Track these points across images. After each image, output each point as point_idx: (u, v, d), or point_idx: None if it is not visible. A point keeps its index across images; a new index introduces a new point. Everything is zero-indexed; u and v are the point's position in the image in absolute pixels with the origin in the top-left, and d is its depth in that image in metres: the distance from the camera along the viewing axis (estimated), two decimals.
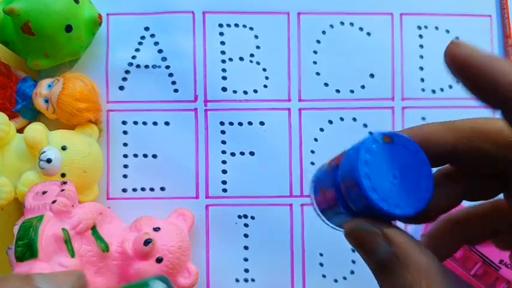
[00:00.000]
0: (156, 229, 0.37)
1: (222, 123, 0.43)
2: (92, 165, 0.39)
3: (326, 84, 0.43)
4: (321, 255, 0.42)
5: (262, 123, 0.43)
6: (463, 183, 0.22)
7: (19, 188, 0.37)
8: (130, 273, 0.36)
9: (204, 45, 0.43)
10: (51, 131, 0.39)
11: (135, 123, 0.42)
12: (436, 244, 0.24)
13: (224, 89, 0.43)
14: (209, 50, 0.43)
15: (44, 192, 0.36)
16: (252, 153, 0.43)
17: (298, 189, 0.42)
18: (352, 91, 0.43)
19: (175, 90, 0.43)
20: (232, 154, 0.43)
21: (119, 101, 0.43)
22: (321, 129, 0.43)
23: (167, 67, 0.43)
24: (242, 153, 0.43)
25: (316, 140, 0.43)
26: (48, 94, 0.39)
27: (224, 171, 0.42)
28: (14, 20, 0.37)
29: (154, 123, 0.43)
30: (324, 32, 0.43)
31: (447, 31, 0.44)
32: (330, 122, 0.43)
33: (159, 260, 0.36)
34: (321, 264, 0.42)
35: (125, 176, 0.42)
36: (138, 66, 0.43)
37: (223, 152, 0.43)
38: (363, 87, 0.43)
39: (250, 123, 0.43)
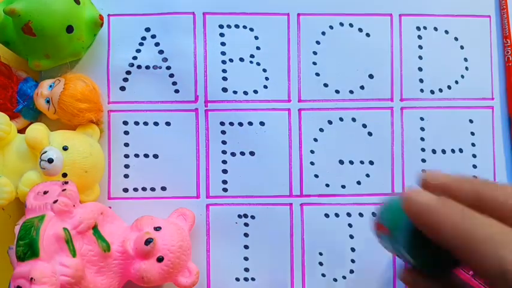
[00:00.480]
0: (157, 228, 0.37)
1: (222, 124, 0.43)
2: (93, 166, 0.39)
3: (325, 85, 0.43)
4: (321, 254, 0.42)
5: (262, 123, 0.43)
6: None
7: (20, 188, 0.38)
8: (131, 272, 0.36)
9: (204, 46, 0.43)
10: (52, 131, 0.39)
11: (136, 123, 0.43)
12: None
13: (224, 90, 0.43)
14: (210, 50, 0.43)
15: (45, 192, 0.36)
16: (252, 153, 0.43)
17: (298, 189, 0.43)
18: (351, 91, 0.43)
19: (176, 91, 0.43)
20: (233, 154, 0.43)
21: (120, 102, 0.43)
22: (321, 130, 0.43)
23: (168, 68, 0.43)
24: (242, 153, 0.43)
25: (316, 140, 0.43)
26: (49, 94, 0.39)
27: (224, 171, 0.43)
28: (15, 20, 0.37)
29: (155, 124, 0.43)
30: (323, 33, 0.44)
31: (446, 32, 0.44)
32: (330, 122, 0.43)
33: (160, 260, 0.36)
34: (321, 264, 0.42)
35: (126, 176, 0.42)
36: (139, 66, 0.43)
37: (224, 152, 0.43)
38: (362, 87, 0.43)
39: (250, 123, 0.43)
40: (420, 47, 0.44)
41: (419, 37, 0.44)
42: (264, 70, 0.43)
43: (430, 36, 0.44)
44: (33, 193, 0.36)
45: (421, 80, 0.44)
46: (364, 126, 0.43)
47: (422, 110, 0.43)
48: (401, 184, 0.43)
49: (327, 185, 0.43)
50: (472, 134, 0.44)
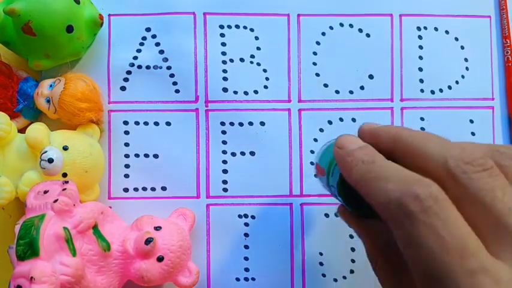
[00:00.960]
0: (157, 228, 0.37)
1: (222, 124, 0.43)
2: (93, 165, 0.39)
3: (326, 85, 0.43)
4: (321, 254, 0.42)
5: (262, 123, 0.43)
6: None
7: (20, 187, 0.38)
8: (131, 272, 0.36)
9: (205, 46, 0.43)
10: (52, 131, 0.39)
11: (137, 123, 0.43)
12: None
13: (225, 90, 0.43)
14: (210, 51, 0.43)
15: (45, 192, 0.36)
16: (252, 153, 0.43)
17: (298, 188, 0.43)
18: (351, 92, 0.43)
19: (177, 91, 0.43)
20: (233, 154, 0.43)
21: (120, 101, 0.43)
22: (321, 130, 0.43)
23: (168, 68, 0.43)
24: (243, 153, 0.43)
25: (316, 140, 0.43)
26: (49, 94, 0.39)
27: (225, 171, 0.43)
28: (15, 20, 0.37)
29: (156, 124, 0.43)
30: (323, 34, 0.44)
31: (446, 32, 0.44)
32: (330, 122, 0.43)
33: (160, 259, 0.36)
34: (321, 264, 0.42)
35: (126, 176, 0.42)
36: (139, 66, 0.43)
37: (224, 152, 0.43)
38: (362, 88, 0.43)
39: (250, 123, 0.43)
40: (420, 47, 0.44)
41: (420, 37, 0.44)
42: (265, 70, 0.43)
43: (430, 36, 0.44)
44: (33, 192, 0.36)
45: (421, 80, 0.44)
46: None
47: (423, 110, 0.44)
48: None
49: None
50: (473, 134, 0.44)
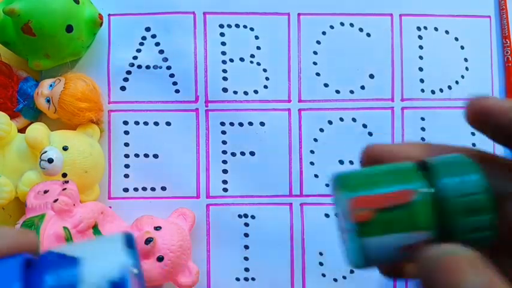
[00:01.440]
0: (157, 228, 0.37)
1: (222, 124, 0.43)
2: (93, 166, 0.39)
3: (326, 85, 0.43)
4: (321, 254, 0.42)
5: (262, 123, 0.43)
6: None
7: (20, 187, 0.38)
8: None
9: (205, 46, 0.43)
10: (52, 131, 0.39)
11: (137, 123, 0.43)
12: None
13: (225, 90, 0.43)
14: (210, 50, 0.43)
15: (45, 191, 0.36)
16: (252, 153, 0.43)
17: (298, 188, 0.43)
18: (351, 91, 0.43)
19: (177, 91, 0.43)
20: (233, 154, 0.43)
21: (120, 101, 0.43)
22: (321, 130, 0.43)
23: (168, 67, 0.43)
24: (242, 153, 0.43)
25: (316, 140, 0.43)
26: (49, 94, 0.39)
27: (225, 171, 0.43)
28: (14, 20, 0.37)
29: (156, 124, 0.43)
30: (324, 33, 0.44)
31: (446, 32, 0.44)
32: (330, 122, 0.43)
33: (160, 259, 0.36)
34: (321, 264, 0.42)
35: (126, 176, 0.42)
36: (139, 66, 0.43)
37: (224, 152, 0.43)
38: (362, 87, 0.43)
39: (250, 123, 0.43)
40: (421, 47, 0.44)
41: (420, 37, 0.44)
42: (264, 70, 0.43)
43: (430, 36, 0.44)
44: (33, 192, 0.36)
45: (421, 80, 0.44)
46: (365, 126, 0.43)
47: (423, 110, 0.43)
48: None
49: (327, 185, 0.43)
50: (473, 134, 0.44)
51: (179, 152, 0.42)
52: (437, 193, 0.16)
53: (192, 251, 0.40)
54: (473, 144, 0.44)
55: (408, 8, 0.44)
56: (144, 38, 0.43)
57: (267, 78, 0.43)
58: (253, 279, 0.42)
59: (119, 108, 0.43)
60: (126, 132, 0.43)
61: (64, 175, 0.38)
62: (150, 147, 0.42)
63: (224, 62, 0.43)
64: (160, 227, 0.38)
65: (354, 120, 0.43)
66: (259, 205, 0.42)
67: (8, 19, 0.38)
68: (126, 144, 0.43)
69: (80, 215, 0.35)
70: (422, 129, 0.43)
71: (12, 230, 0.18)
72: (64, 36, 0.38)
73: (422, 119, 0.43)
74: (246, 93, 0.43)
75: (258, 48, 0.43)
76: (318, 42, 0.44)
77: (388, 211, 0.16)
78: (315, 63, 0.43)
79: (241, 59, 0.43)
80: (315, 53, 0.44)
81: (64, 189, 0.35)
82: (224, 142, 0.43)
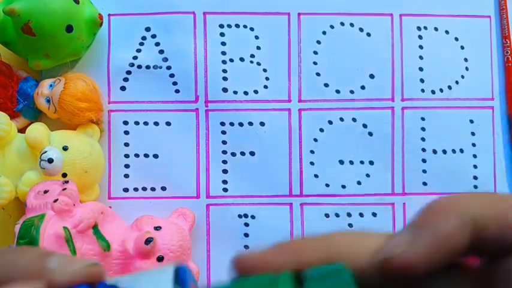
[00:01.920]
0: (157, 228, 0.37)
1: (222, 124, 0.43)
2: (93, 166, 0.39)
3: (326, 85, 0.43)
4: None
5: (262, 123, 0.43)
6: None
7: (20, 187, 0.38)
8: (131, 272, 0.36)
9: (204, 46, 0.43)
10: (52, 131, 0.39)
11: (137, 123, 0.43)
12: None
13: (225, 90, 0.43)
14: (210, 50, 0.43)
15: (45, 191, 0.36)
16: (252, 153, 0.43)
17: (298, 188, 0.43)
18: (352, 91, 0.43)
19: (177, 91, 0.43)
20: (233, 154, 0.43)
21: (120, 101, 0.43)
22: (321, 130, 0.43)
23: (168, 67, 0.43)
24: (243, 153, 0.43)
25: (316, 140, 0.43)
26: (49, 94, 0.39)
27: (225, 171, 0.43)
28: (14, 20, 0.37)
29: (156, 124, 0.43)
30: (324, 33, 0.44)
31: (447, 32, 0.44)
32: (330, 122, 0.43)
33: (160, 259, 0.36)
34: None
35: (126, 176, 0.42)
36: (139, 66, 0.43)
37: (224, 152, 0.43)
38: (362, 87, 0.43)
39: (250, 123, 0.43)
40: (421, 47, 0.44)
41: (420, 37, 0.44)
42: (265, 70, 0.43)
43: (430, 36, 0.44)
44: (33, 192, 0.36)
45: (421, 80, 0.44)
46: (365, 126, 0.43)
47: (423, 110, 0.43)
48: (401, 184, 0.43)
49: (327, 185, 0.43)
50: (473, 134, 0.44)
51: (179, 152, 0.42)
52: None
53: (192, 251, 0.40)
54: (473, 144, 0.44)
55: (408, 8, 0.44)
56: (144, 38, 0.43)
57: (267, 78, 0.43)
58: None
59: (119, 108, 0.43)
60: (126, 132, 0.43)
61: (64, 175, 0.38)
62: (150, 147, 0.42)
63: (224, 62, 0.43)
64: (160, 227, 0.38)
65: (354, 120, 0.43)
66: (259, 205, 0.42)
67: (8, 19, 0.38)
68: (126, 144, 0.43)
69: (80, 215, 0.35)
70: (423, 129, 0.43)
71: (85, 261, 0.18)
72: (64, 36, 0.38)
73: (423, 119, 0.43)
74: (246, 93, 0.43)
75: (258, 48, 0.43)
76: (318, 42, 0.44)
77: None
78: (315, 63, 0.43)
79: (241, 59, 0.43)
80: (315, 52, 0.44)
81: (64, 189, 0.35)
82: (224, 142, 0.43)
